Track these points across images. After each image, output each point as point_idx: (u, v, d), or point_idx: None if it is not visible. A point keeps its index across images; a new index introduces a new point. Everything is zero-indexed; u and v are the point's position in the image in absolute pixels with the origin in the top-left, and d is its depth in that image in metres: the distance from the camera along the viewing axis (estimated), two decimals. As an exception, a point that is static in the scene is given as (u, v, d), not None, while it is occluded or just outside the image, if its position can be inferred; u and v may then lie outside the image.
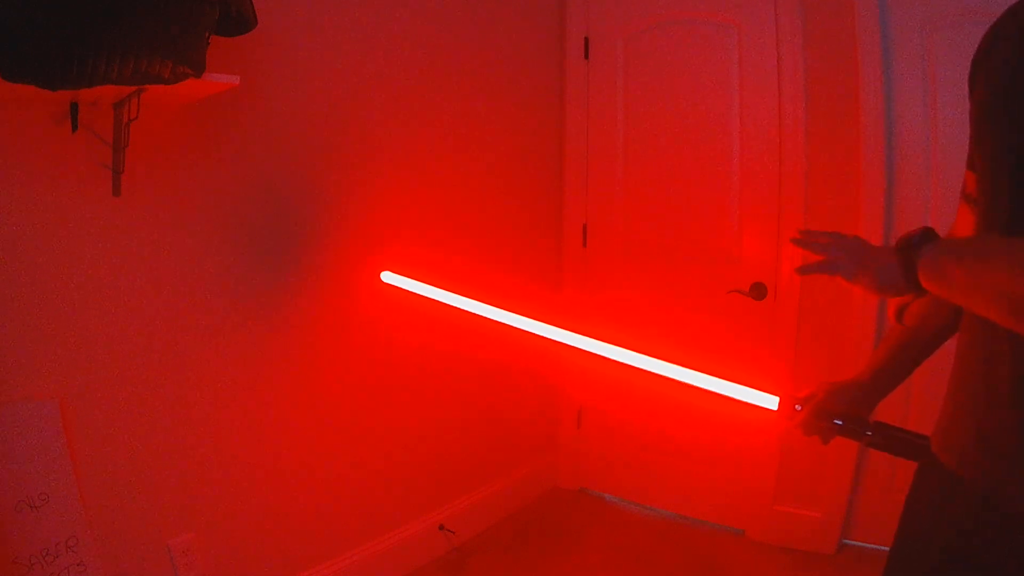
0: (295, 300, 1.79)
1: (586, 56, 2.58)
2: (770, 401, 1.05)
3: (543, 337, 1.32)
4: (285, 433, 1.80)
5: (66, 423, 1.37)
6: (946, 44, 1.94)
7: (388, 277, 1.78)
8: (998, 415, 0.70)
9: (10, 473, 1.30)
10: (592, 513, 2.61)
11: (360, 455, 2.01)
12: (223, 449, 1.67)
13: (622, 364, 1.19)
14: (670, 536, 2.41)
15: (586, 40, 2.57)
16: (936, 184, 2.01)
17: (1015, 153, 0.69)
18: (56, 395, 1.36)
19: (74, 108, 1.31)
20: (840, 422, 0.98)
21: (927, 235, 0.74)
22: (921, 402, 1.97)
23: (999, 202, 0.72)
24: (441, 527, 2.26)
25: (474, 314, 1.46)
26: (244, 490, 1.72)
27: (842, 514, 2.22)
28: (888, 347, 1.01)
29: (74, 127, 1.32)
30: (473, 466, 2.43)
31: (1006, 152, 0.70)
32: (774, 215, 2.22)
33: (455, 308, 1.52)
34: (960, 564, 0.75)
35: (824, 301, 2.18)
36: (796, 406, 1.03)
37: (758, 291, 2.26)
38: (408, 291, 1.71)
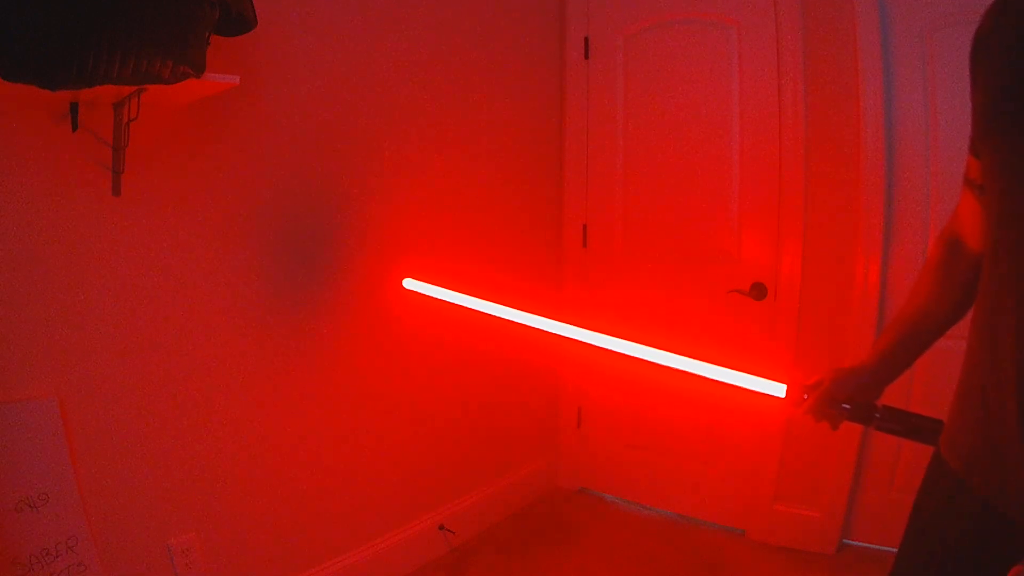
0: (295, 301, 1.79)
1: (586, 56, 2.58)
2: (778, 389, 1.06)
3: (553, 335, 1.32)
4: (285, 433, 1.80)
5: (66, 423, 1.37)
6: (946, 44, 1.94)
7: (410, 283, 1.76)
8: (1004, 421, 0.70)
9: (10, 473, 1.29)
10: (592, 513, 2.61)
11: (360, 455, 2.01)
12: (223, 449, 1.67)
13: (629, 358, 1.19)
14: (670, 536, 2.41)
15: (586, 40, 2.57)
16: (936, 184, 2.01)
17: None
18: (56, 394, 1.36)
19: (74, 108, 1.31)
20: (848, 407, 0.99)
21: None
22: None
23: (1013, 195, 0.70)
24: (441, 527, 2.26)
25: (483, 314, 1.46)
26: (244, 490, 1.72)
27: (842, 514, 2.21)
28: (894, 333, 1.01)
29: (74, 127, 1.32)
30: (473, 466, 2.43)
31: (1018, 142, 0.68)
32: (774, 215, 2.22)
33: (462, 310, 1.52)
34: (962, 569, 0.75)
35: (824, 301, 2.18)
36: (804, 393, 1.03)
37: (758, 291, 2.26)
38: (425, 295, 1.69)
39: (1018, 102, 0.69)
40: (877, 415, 0.97)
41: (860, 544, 2.25)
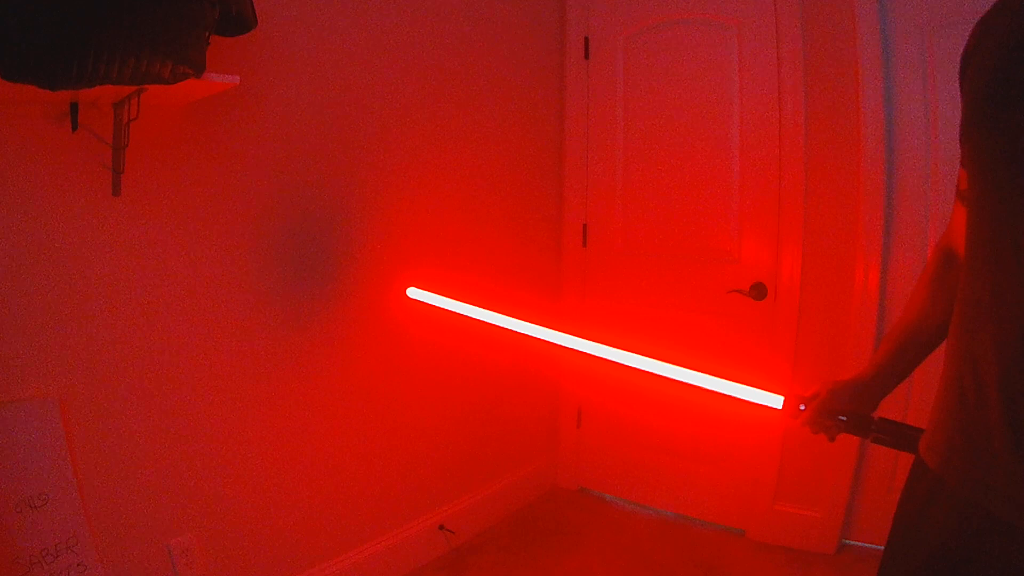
0: (296, 301, 1.79)
1: (586, 56, 2.58)
2: (775, 400, 1.06)
3: (552, 343, 1.32)
4: (285, 433, 1.80)
5: (66, 423, 1.37)
6: (946, 44, 1.94)
7: (414, 293, 1.75)
8: (984, 417, 0.70)
9: (10, 473, 1.30)
10: (592, 513, 2.61)
11: (360, 455, 2.01)
12: (223, 449, 1.67)
13: (628, 367, 1.19)
14: (670, 536, 2.41)
15: (586, 40, 2.57)
16: (936, 184, 2.01)
17: (1003, 149, 0.68)
18: (56, 395, 1.36)
19: (74, 108, 1.31)
20: (845, 418, 0.99)
21: None
22: (920, 399, 1.97)
23: (989, 197, 0.71)
24: (441, 527, 2.26)
25: (486, 322, 1.46)
26: (244, 490, 1.72)
27: (842, 514, 2.22)
28: (890, 344, 1.01)
29: (74, 127, 1.32)
30: (473, 466, 2.43)
31: (995, 148, 0.69)
32: (774, 215, 2.22)
33: (463, 316, 1.52)
34: (944, 567, 0.75)
35: (824, 301, 2.17)
36: (801, 405, 1.04)
37: (758, 291, 2.26)
38: (423, 304, 1.69)
39: (994, 106, 0.69)
40: (873, 427, 0.97)
41: (860, 544, 2.25)
